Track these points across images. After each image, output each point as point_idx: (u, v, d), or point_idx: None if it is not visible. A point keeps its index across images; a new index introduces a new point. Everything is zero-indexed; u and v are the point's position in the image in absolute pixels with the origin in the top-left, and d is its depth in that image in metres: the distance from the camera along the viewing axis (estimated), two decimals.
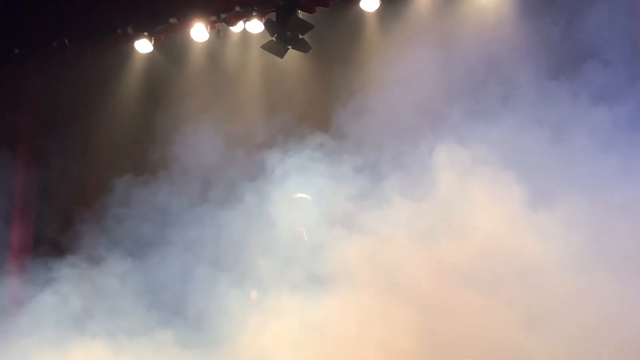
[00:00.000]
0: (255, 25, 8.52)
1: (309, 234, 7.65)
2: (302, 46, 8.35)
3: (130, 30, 8.76)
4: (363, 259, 7.10)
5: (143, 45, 8.82)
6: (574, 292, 6.43)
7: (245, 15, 8.52)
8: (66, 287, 8.14)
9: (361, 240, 7.20)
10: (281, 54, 8.40)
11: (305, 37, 8.29)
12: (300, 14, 8.27)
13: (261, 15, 8.45)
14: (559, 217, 6.57)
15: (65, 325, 7.92)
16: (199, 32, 8.62)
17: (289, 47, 8.34)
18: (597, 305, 6.33)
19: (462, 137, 7.19)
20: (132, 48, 8.88)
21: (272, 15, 8.36)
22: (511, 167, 6.79)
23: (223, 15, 8.57)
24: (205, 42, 8.74)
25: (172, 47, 9.00)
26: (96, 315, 8.02)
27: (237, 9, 8.49)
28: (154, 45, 8.82)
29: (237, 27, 8.66)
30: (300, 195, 7.74)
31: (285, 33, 8.27)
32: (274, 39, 8.34)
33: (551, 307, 6.52)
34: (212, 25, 8.65)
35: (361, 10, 8.32)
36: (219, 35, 8.73)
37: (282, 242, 7.48)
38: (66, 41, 8.86)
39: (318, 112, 8.29)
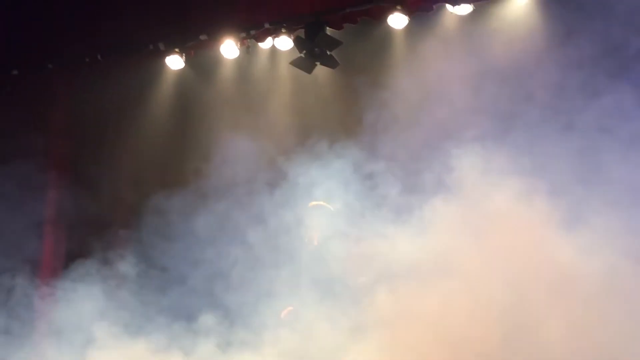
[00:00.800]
0: (283, 42, 8.63)
1: (334, 244, 7.74)
2: (330, 62, 8.45)
3: (161, 46, 8.87)
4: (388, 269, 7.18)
5: (174, 61, 8.91)
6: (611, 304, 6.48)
7: (275, 32, 8.65)
8: (96, 302, 8.22)
9: (387, 249, 7.28)
10: (309, 69, 8.51)
11: (333, 53, 8.40)
12: (329, 30, 8.40)
13: (290, 31, 8.57)
14: (593, 229, 6.61)
15: (95, 334, 8.00)
16: (229, 48, 8.72)
17: (317, 63, 8.45)
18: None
19: (491, 149, 7.27)
20: (163, 64, 8.98)
21: (301, 32, 8.47)
22: (544, 178, 6.85)
23: (252, 32, 8.70)
24: (234, 58, 8.86)
25: (202, 63, 9.11)
26: (127, 327, 8.07)
27: (267, 25, 8.62)
28: (184, 62, 8.94)
29: (266, 44, 8.80)
30: (316, 203, 7.86)
31: (313, 49, 8.37)
32: (302, 55, 8.44)
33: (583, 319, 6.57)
34: (241, 41, 8.76)
35: (389, 26, 8.44)
36: (248, 51, 8.84)
37: (313, 252, 7.58)
38: (98, 57, 8.98)
39: (346, 127, 8.40)
